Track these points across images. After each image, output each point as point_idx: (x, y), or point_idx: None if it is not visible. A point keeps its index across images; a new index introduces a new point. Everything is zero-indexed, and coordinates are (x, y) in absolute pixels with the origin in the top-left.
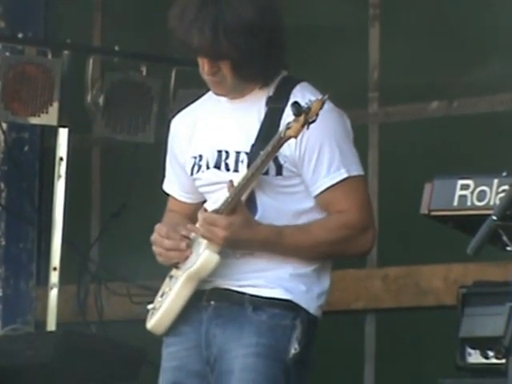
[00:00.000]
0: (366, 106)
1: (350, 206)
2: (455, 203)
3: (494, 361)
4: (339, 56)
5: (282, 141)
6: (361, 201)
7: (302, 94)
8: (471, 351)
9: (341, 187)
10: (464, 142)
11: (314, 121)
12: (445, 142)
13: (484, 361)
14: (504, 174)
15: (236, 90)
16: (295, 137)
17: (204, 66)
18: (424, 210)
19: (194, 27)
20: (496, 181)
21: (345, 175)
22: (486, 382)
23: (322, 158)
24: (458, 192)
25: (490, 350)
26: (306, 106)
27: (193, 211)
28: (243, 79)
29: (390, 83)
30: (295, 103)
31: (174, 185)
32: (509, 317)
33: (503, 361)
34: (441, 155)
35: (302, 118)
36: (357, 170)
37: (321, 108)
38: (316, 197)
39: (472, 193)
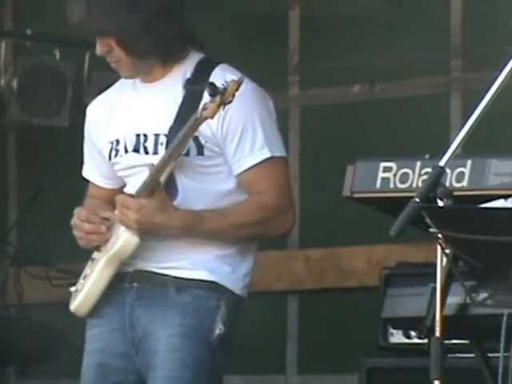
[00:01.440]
0: (286, 90)
1: (270, 186)
2: (378, 185)
3: (416, 341)
4: (260, 40)
5: (199, 122)
6: (281, 182)
7: (222, 75)
8: (393, 331)
9: (263, 167)
10: (386, 126)
11: (230, 102)
12: (367, 125)
13: (406, 341)
14: (427, 156)
15: (138, 69)
16: (211, 117)
17: (97, 46)
18: (346, 193)
19: (72, 3)
20: (419, 163)
21: (268, 155)
22: (408, 362)
23: (244, 137)
24: (381, 174)
25: (413, 330)
26: (221, 86)
27: (113, 197)
28: (137, 56)
29: (310, 67)
30: (211, 84)
31: (92, 171)
32: (431, 297)
33: (425, 340)
34: (363, 138)
35: (217, 99)
36: (280, 151)
37: (237, 89)
38: (238, 176)
39: (395, 175)
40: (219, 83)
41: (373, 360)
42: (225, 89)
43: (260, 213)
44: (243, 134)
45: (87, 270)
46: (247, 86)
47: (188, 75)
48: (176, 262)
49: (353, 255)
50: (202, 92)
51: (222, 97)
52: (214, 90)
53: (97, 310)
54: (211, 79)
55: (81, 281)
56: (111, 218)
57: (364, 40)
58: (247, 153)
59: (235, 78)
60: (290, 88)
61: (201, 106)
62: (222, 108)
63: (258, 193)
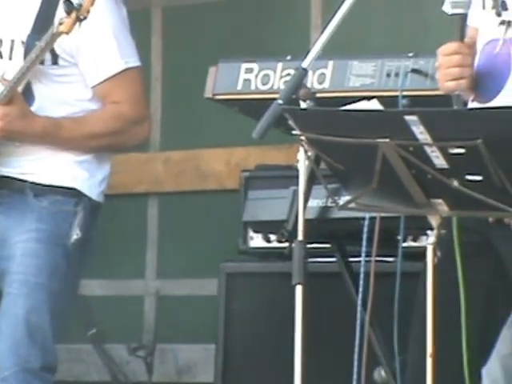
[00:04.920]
0: None
1: (125, 97)
2: (239, 87)
3: (276, 244)
4: None
5: (55, 37)
6: (137, 92)
7: None
8: (254, 235)
9: (118, 78)
10: (247, 26)
11: (85, 18)
12: (229, 25)
13: (266, 244)
14: (288, 57)
15: None
16: (67, 33)
17: None
18: (208, 94)
19: None
20: (280, 64)
21: (122, 66)
22: (268, 266)
23: (98, 48)
24: (243, 76)
25: (273, 233)
26: (77, 3)
27: None
28: None
29: None
30: (66, 1)
31: None
32: (292, 200)
33: (285, 244)
34: (225, 39)
35: (73, 15)
36: (134, 62)
37: (92, 5)
38: (94, 87)
39: (256, 76)
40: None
41: (232, 264)
42: (80, 5)
43: (117, 123)
44: (97, 46)
45: None
46: None
47: None
48: (34, 168)
49: (212, 157)
50: (58, 2)
51: (78, 13)
52: (70, 7)
53: None
54: None
55: None
56: None
57: None
58: (102, 64)
59: None
60: None
61: (57, 20)
62: (78, 24)
63: (115, 103)
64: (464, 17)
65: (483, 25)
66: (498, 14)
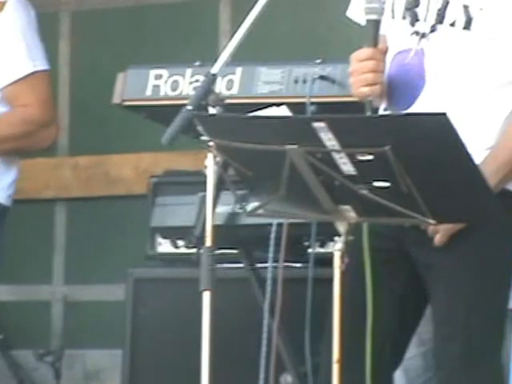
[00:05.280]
0: None
1: (33, 100)
2: (148, 93)
3: (184, 250)
4: None
5: None
6: (45, 95)
7: None
8: (162, 241)
9: (26, 81)
10: (157, 32)
11: None
12: (138, 31)
13: (174, 250)
14: (197, 63)
15: None
16: None
17: None
18: (117, 100)
19: None
20: (189, 70)
21: (31, 69)
22: (175, 272)
23: (7, 51)
24: (152, 82)
25: (181, 239)
26: None
27: None
28: None
29: None
30: None
31: None
32: (200, 206)
33: (193, 250)
34: (134, 45)
35: None
36: (42, 65)
37: (1, 9)
38: (1, 90)
39: (165, 82)
40: None
41: (140, 270)
42: None
43: (24, 126)
44: (5, 49)
45: None
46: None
47: None
48: None
49: (121, 163)
50: None
51: None
52: None
53: None
54: None
55: None
56: None
57: None
58: (10, 67)
59: None
60: None
61: None
62: None
63: (23, 106)
64: (378, 23)
65: (394, 34)
66: (412, 24)
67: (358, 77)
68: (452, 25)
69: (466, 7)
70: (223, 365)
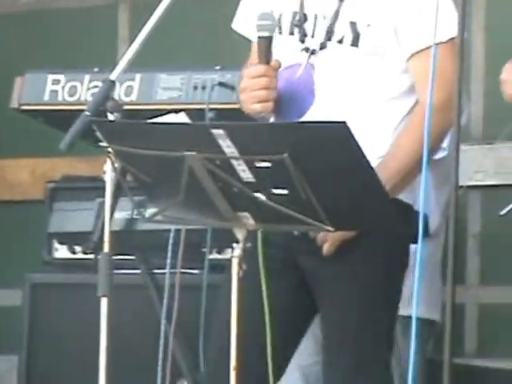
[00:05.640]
0: None
1: None
2: (46, 98)
3: (82, 256)
4: None
5: None
6: None
7: None
8: (59, 246)
9: None
10: (54, 37)
11: None
12: (35, 36)
13: (71, 256)
14: (96, 69)
15: None
16: None
17: None
18: (14, 104)
19: None
20: (87, 76)
21: None
22: (73, 277)
23: None
24: (50, 87)
25: (78, 245)
26: None
27: None
28: None
29: None
30: None
31: None
32: (98, 212)
33: (90, 256)
34: (31, 50)
35: None
36: None
37: None
38: None
39: (63, 88)
40: None
41: (37, 275)
42: None
43: None
44: None
45: None
46: None
47: None
48: None
49: (17, 167)
50: None
51: None
52: None
53: None
54: None
55: None
56: None
57: None
58: None
59: None
60: None
61: None
62: None
63: None
64: (270, 40)
65: (281, 49)
66: (302, 41)
67: (249, 93)
68: (340, 42)
69: (353, 24)
70: (121, 370)
